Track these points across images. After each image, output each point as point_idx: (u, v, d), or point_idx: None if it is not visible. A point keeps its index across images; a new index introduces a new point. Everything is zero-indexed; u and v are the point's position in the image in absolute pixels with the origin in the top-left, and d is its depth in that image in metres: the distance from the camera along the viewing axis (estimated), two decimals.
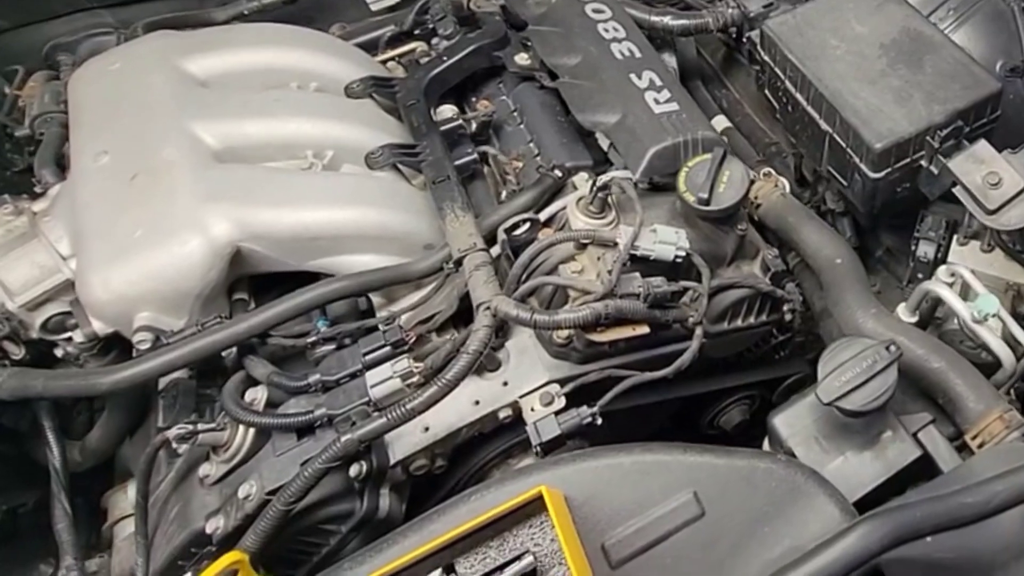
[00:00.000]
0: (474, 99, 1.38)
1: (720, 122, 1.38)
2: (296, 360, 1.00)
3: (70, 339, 1.02)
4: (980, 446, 0.76)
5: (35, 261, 1.02)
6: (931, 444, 0.77)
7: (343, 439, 0.79)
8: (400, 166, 1.14)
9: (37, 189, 1.17)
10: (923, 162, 1.01)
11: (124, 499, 1.08)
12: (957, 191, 0.95)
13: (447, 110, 1.29)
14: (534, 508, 0.67)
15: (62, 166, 1.20)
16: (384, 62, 1.42)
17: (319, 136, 1.12)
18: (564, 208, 1.05)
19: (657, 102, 1.15)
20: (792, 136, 1.21)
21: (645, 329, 0.90)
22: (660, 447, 0.73)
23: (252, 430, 0.89)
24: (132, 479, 1.08)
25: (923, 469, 0.77)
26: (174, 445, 0.92)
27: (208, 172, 1.01)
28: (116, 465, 1.14)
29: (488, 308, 0.87)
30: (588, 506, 0.70)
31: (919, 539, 0.63)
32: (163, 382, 1.03)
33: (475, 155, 1.16)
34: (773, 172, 1.19)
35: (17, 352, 1.01)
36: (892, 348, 0.77)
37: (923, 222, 1.07)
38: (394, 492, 0.89)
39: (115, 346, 1.04)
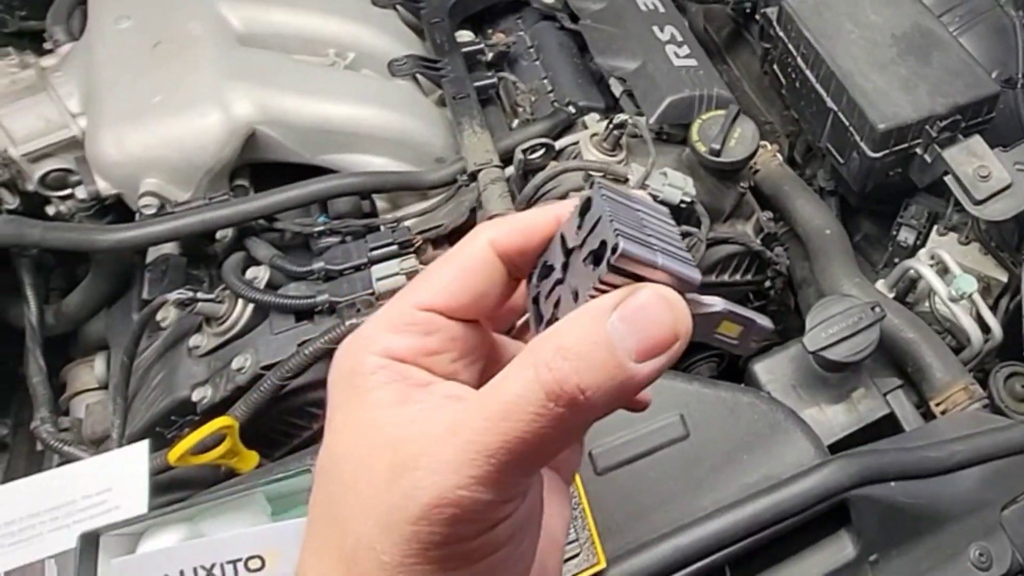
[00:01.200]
0: (490, 31, 1.35)
1: None
2: (296, 251, 0.97)
3: (68, 197, 0.97)
4: (943, 412, 0.79)
5: (42, 114, 0.96)
6: (898, 406, 0.79)
7: (348, 323, 0.77)
8: (419, 80, 1.11)
9: (47, 46, 1.11)
10: (918, 149, 1.02)
11: (87, 372, 1.04)
12: (948, 180, 0.96)
13: (466, 35, 1.26)
14: None
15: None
16: None
17: (344, 36, 1.08)
18: (576, 143, 1.04)
19: (677, 56, 1.14)
20: (795, 112, 1.21)
21: None
22: None
23: (250, 307, 0.86)
24: (97, 353, 1.05)
25: (887, 429, 0.79)
26: (163, 312, 0.90)
27: (233, 51, 0.97)
28: (79, 340, 1.09)
29: None
30: None
31: (884, 482, 0.65)
32: (151, 256, 1.00)
33: (495, 79, 1.13)
34: (769, 145, 1.20)
35: (11, 201, 0.96)
36: (877, 309, 0.78)
37: (907, 209, 1.08)
38: None
39: (111, 212, 1.00)
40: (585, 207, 0.32)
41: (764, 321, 0.34)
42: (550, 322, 0.32)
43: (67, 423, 0.95)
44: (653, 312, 0.28)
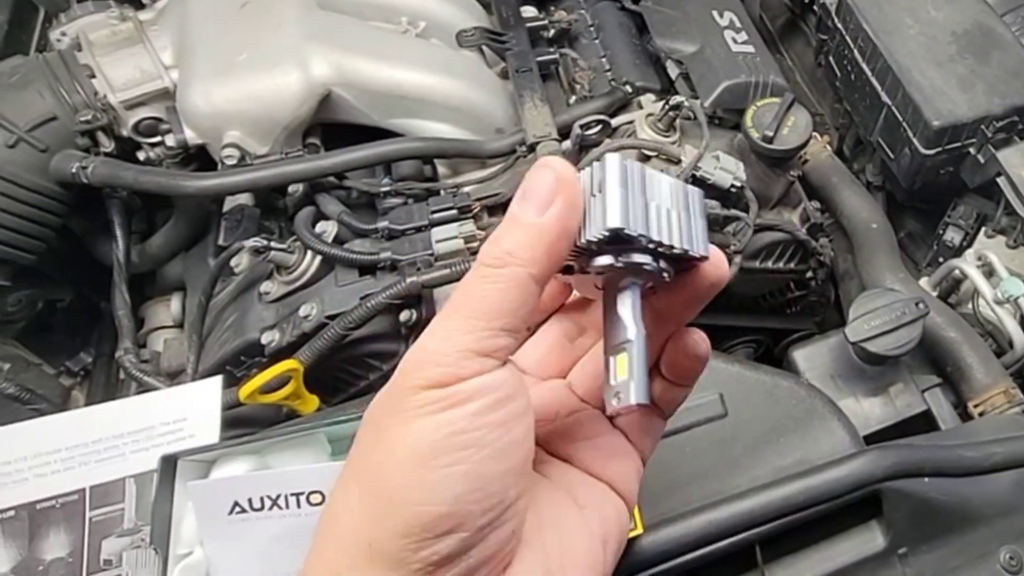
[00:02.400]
0: (553, 8, 1.28)
1: None
2: (362, 209, 0.94)
3: (158, 144, 0.95)
4: (981, 414, 0.73)
5: (138, 64, 0.94)
6: (936, 404, 0.73)
7: (408, 280, 0.74)
8: (485, 52, 1.06)
9: (145, 0, 1.08)
10: (972, 149, 0.94)
11: (164, 311, 1.03)
12: (1000, 181, 0.89)
13: (530, 10, 1.20)
14: None
15: None
16: None
17: (416, 5, 1.03)
18: (631, 122, 0.98)
19: (735, 41, 1.07)
20: (848, 105, 1.13)
21: None
22: None
23: (317, 259, 0.84)
24: (174, 293, 1.04)
25: (923, 426, 0.74)
26: (237, 258, 0.88)
27: (314, 14, 0.93)
28: (158, 281, 1.09)
29: None
30: None
31: (919, 477, 0.61)
32: (228, 205, 0.98)
33: (556, 56, 1.07)
34: (819, 137, 1.12)
35: (107, 145, 0.94)
36: (921, 305, 0.73)
37: (955, 209, 1.00)
38: None
39: (195, 161, 0.98)
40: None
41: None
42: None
43: (147, 355, 0.95)
44: (536, 177, 0.32)
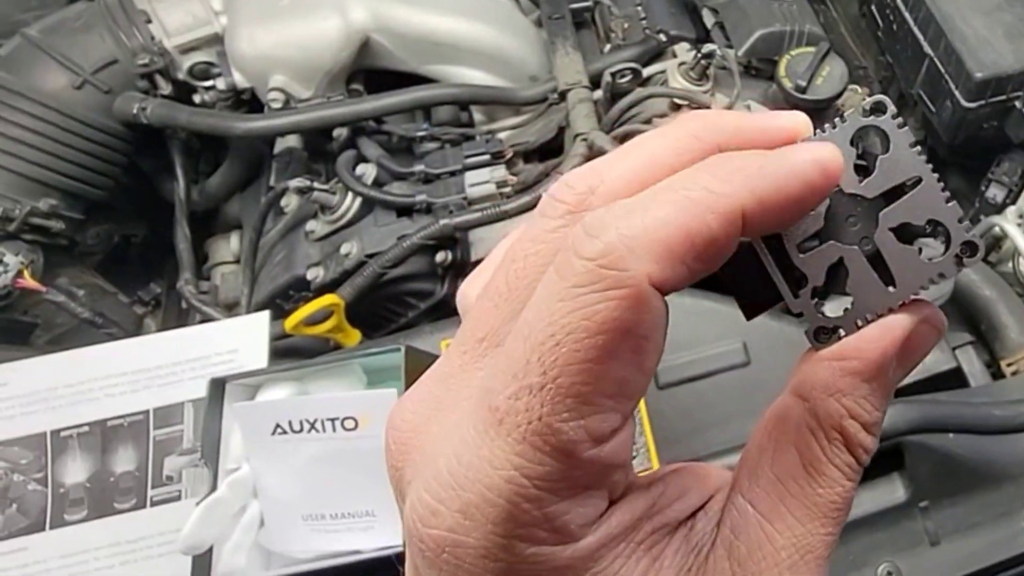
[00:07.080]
0: None
1: None
2: (400, 153, 0.87)
3: (211, 88, 0.89)
4: (1015, 374, 0.64)
5: (190, 10, 0.88)
6: (967, 362, 0.64)
7: (441, 222, 0.68)
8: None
9: None
10: (1017, 103, 0.81)
11: (225, 247, 0.99)
12: None
13: None
14: None
15: None
16: None
17: None
18: (663, 71, 0.88)
19: None
20: (890, 56, 1.00)
21: None
22: (721, 298, 0.62)
23: (359, 200, 0.78)
24: (234, 231, 1.00)
25: (953, 383, 0.65)
26: (287, 198, 0.83)
27: None
28: (219, 218, 1.03)
29: (585, 139, 0.73)
30: None
31: (943, 432, 0.53)
32: (278, 148, 0.92)
33: (590, 3, 0.96)
34: (860, 89, 0.99)
35: (165, 88, 0.89)
36: None
37: (999, 165, 0.87)
38: None
39: (245, 105, 0.92)
40: (870, 142, 0.20)
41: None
42: (820, 294, 0.20)
43: (206, 287, 0.91)
44: (926, 349, 0.20)
